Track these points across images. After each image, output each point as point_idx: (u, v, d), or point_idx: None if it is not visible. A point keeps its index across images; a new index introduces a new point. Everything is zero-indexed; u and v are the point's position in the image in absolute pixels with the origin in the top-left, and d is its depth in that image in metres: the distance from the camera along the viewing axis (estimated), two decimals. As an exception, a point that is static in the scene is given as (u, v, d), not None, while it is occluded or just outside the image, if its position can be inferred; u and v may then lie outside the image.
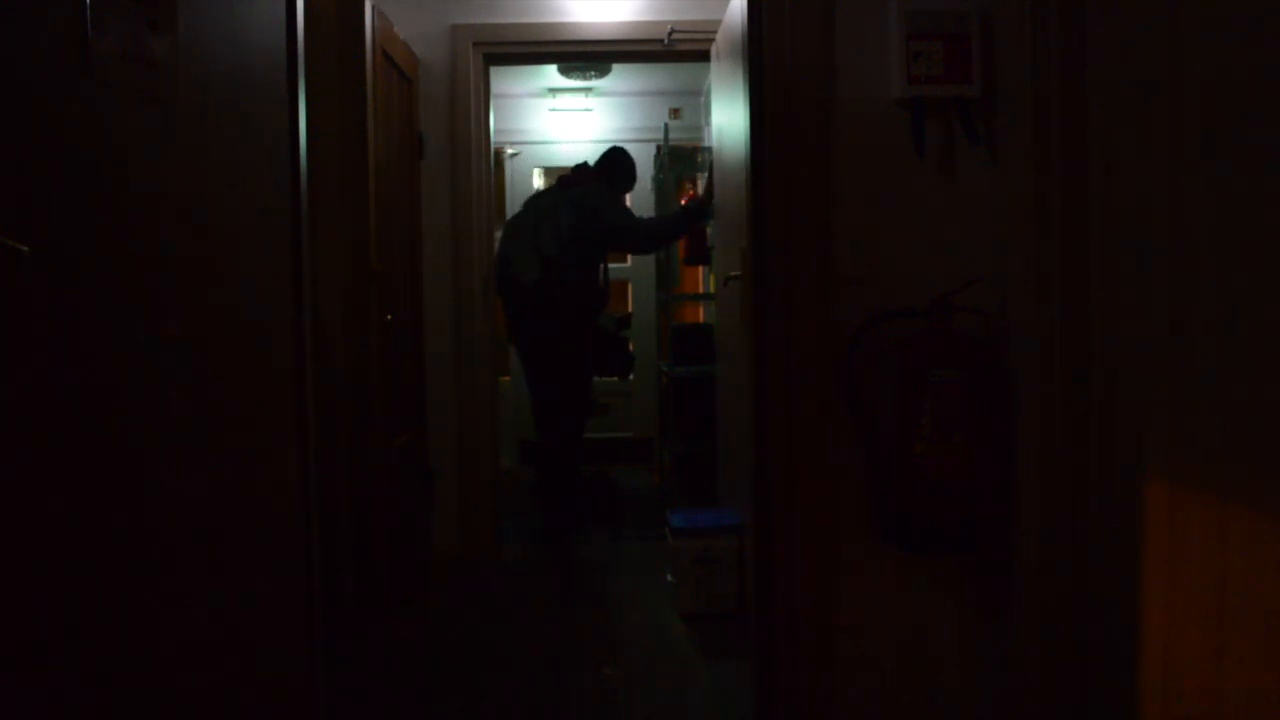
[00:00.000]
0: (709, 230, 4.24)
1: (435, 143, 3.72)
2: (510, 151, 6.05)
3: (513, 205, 5.21)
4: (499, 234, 4.27)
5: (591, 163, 4.31)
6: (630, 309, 6.12)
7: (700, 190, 5.47)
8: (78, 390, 1.21)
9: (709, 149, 4.47)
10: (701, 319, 6.02)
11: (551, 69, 5.47)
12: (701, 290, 5.97)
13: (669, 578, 3.49)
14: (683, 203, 4.59)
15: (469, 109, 3.73)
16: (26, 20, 1.12)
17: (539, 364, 4.16)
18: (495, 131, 4.38)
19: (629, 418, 6.14)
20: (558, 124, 6.06)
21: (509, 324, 4.20)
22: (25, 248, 1.07)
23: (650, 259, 5.62)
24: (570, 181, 4.21)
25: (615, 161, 4.29)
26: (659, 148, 5.19)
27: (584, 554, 4.08)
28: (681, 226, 4.22)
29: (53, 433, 1.16)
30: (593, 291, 4.13)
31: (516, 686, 2.64)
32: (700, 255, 4.44)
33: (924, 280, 1.91)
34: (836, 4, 1.94)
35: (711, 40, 3.55)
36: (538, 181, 6.09)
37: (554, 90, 5.93)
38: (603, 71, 5.56)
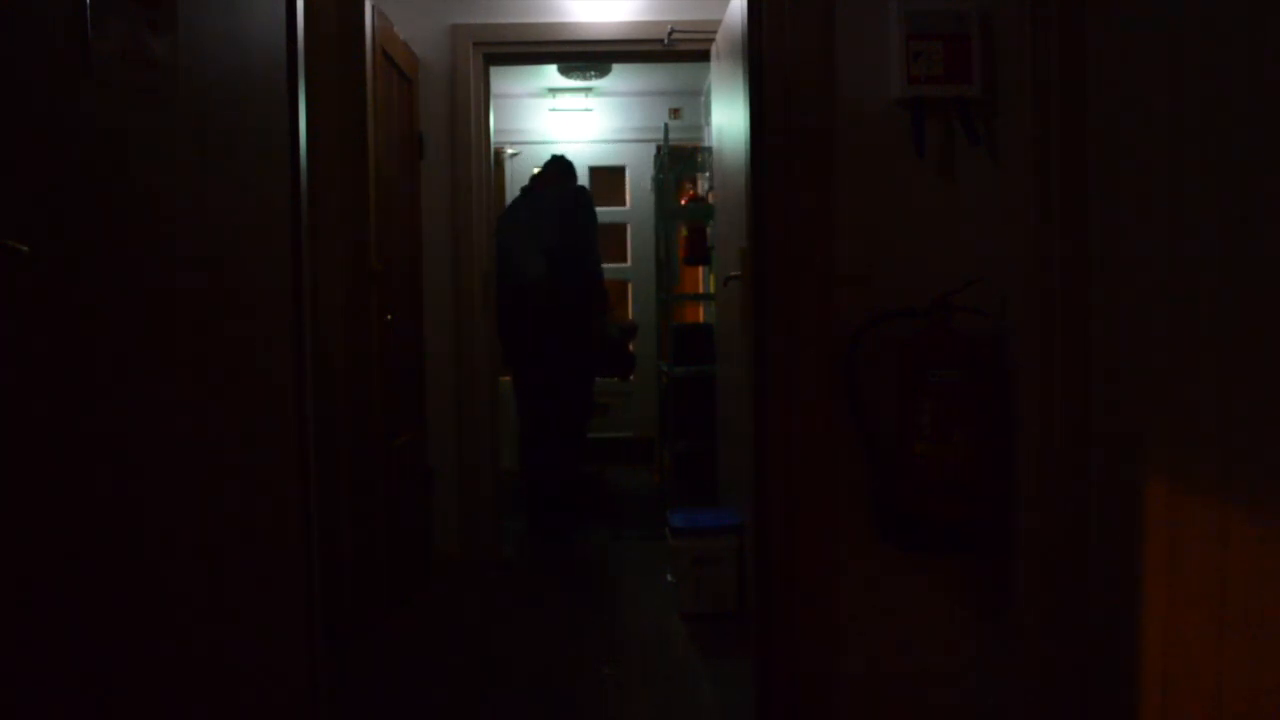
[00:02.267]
0: (709, 230, 4.24)
1: (435, 143, 3.72)
2: (510, 151, 6.05)
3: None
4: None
5: (542, 171, 4.44)
6: (630, 316, 6.12)
7: (700, 190, 5.48)
8: (78, 390, 1.21)
9: (709, 149, 4.47)
10: (701, 319, 6.02)
11: (551, 69, 5.47)
12: (701, 290, 5.97)
13: (669, 578, 3.49)
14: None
15: (469, 109, 3.73)
16: (26, 20, 1.12)
17: (541, 365, 4.16)
18: (495, 131, 4.37)
19: (629, 418, 6.14)
20: (558, 124, 6.06)
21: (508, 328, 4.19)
22: (25, 248, 1.07)
23: (650, 259, 5.64)
24: (548, 180, 4.30)
25: (566, 169, 4.39)
26: (659, 148, 5.19)
27: (584, 554, 4.08)
28: (598, 292, 4.22)
29: (53, 432, 1.16)
30: (592, 287, 4.16)
31: (516, 686, 2.64)
32: (700, 255, 4.44)
33: (924, 280, 1.91)
34: (836, 4, 1.94)
35: (711, 40, 3.54)
36: (537, 182, 6.09)
37: (554, 90, 5.93)
38: (603, 71, 5.56)
